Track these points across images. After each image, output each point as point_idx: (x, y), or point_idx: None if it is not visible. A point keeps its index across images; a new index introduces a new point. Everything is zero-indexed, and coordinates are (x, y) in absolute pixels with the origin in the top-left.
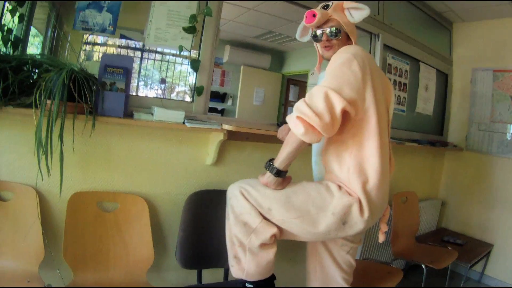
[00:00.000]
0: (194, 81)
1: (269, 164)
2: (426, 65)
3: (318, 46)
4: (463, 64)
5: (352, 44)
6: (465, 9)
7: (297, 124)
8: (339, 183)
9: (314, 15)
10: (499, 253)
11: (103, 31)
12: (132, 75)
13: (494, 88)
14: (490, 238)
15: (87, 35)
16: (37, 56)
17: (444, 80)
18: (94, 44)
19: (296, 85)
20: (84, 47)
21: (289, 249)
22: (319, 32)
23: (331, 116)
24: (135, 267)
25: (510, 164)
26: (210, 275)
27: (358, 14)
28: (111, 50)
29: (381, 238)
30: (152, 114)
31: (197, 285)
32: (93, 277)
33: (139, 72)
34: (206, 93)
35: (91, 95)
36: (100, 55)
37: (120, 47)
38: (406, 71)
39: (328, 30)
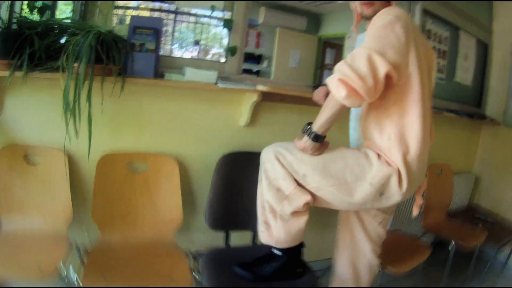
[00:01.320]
0: (227, 42)
1: (307, 128)
2: (466, 33)
3: (356, 3)
4: (504, 34)
5: (392, 5)
6: None
7: (339, 86)
8: (379, 151)
9: None
10: None
11: None
12: (164, 36)
13: None
14: None
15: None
16: (64, 21)
17: (484, 50)
18: (127, 8)
19: (332, 48)
20: (116, 11)
21: (319, 213)
22: None
23: (375, 79)
24: (163, 227)
25: None
26: (238, 238)
27: None
28: (144, 14)
29: (415, 211)
30: (183, 75)
31: (224, 247)
32: (120, 236)
33: (173, 34)
34: (240, 53)
35: (120, 57)
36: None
37: (153, 10)
38: (445, 38)
39: None
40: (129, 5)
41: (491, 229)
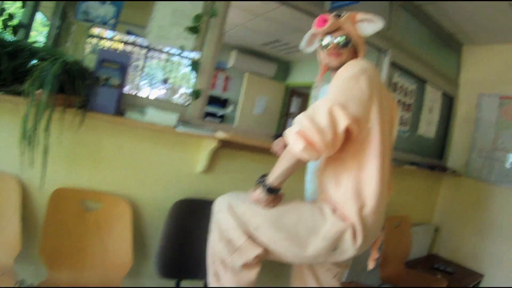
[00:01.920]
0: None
1: (261, 180)
2: (432, 86)
3: (323, 55)
4: (470, 88)
5: (359, 57)
6: (476, 31)
7: (297, 139)
8: (334, 206)
9: (325, 20)
10: (489, 283)
11: (104, 23)
12: (134, 71)
13: (499, 115)
14: (481, 267)
15: (94, 28)
16: (35, 44)
17: (449, 103)
18: (101, 38)
19: (299, 97)
20: (90, 40)
21: (273, 265)
22: (327, 39)
23: (334, 133)
24: (112, 271)
25: (508, 194)
26: (189, 286)
27: (370, 27)
28: (118, 45)
29: (371, 265)
30: (144, 115)
31: None
32: (68, 276)
33: (143, 70)
34: (204, 97)
35: (84, 89)
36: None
37: (126, 43)
38: (411, 91)
39: (337, 39)
40: (104, 35)
41: (451, 279)
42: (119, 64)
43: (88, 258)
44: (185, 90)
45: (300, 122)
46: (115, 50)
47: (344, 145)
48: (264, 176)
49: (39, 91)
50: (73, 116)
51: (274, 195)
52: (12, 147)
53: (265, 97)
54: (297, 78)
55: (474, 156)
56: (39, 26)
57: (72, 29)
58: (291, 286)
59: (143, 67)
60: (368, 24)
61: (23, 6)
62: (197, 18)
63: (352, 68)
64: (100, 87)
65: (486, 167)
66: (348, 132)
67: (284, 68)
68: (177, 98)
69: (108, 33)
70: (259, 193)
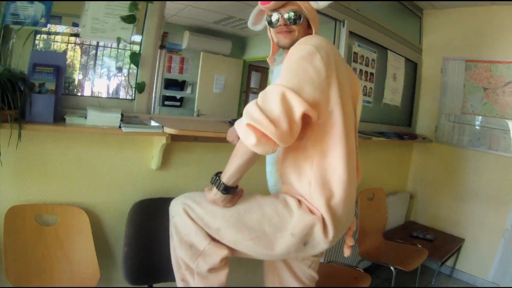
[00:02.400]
0: (135, 76)
1: (216, 179)
2: (394, 54)
3: (273, 33)
4: (434, 53)
5: (312, 33)
6: None
7: (248, 133)
8: (299, 197)
9: None
10: (470, 247)
11: (34, 24)
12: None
13: (466, 79)
14: (460, 232)
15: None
16: None
17: (413, 69)
18: (48, 33)
19: (258, 71)
20: (38, 38)
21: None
22: (275, 16)
23: (290, 122)
24: (81, 284)
25: (480, 157)
26: None
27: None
28: (67, 39)
29: (347, 252)
30: (86, 118)
31: None
32: None
33: (95, 61)
34: (149, 89)
35: (17, 100)
36: (60, 45)
37: (75, 35)
38: (373, 60)
39: (286, 15)
40: (52, 31)
41: (431, 246)
42: (53, 67)
43: (55, 275)
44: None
45: (249, 113)
46: (48, 50)
47: (303, 132)
48: (219, 174)
49: None
50: (10, 131)
51: (232, 193)
52: None
53: (224, 75)
54: (254, 53)
55: (443, 121)
56: None
57: (12, 33)
58: (265, 279)
59: (96, 58)
60: None
61: None
62: (133, 5)
63: (304, 47)
64: (34, 94)
65: (456, 132)
66: (306, 117)
67: (240, 44)
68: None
69: (58, 28)
70: (214, 193)
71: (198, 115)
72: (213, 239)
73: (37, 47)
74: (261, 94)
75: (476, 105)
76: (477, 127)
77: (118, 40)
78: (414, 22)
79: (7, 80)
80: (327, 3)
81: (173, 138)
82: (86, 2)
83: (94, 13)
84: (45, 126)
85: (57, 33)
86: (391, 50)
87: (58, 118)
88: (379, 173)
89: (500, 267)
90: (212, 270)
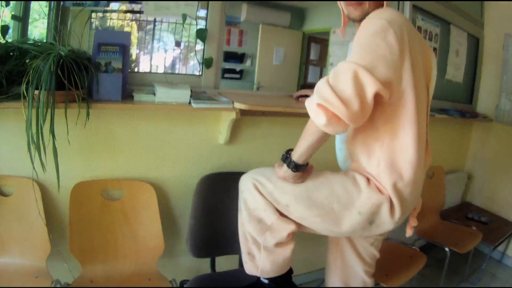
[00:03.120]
0: (202, 52)
1: (286, 157)
2: (457, 28)
3: (343, 5)
4: (496, 28)
5: (384, 5)
6: None
7: (318, 112)
8: (368, 175)
9: None
10: None
11: (96, 5)
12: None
13: None
14: None
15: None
16: (25, 42)
17: (475, 45)
18: (104, 11)
19: (317, 43)
20: (95, 16)
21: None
22: None
23: (361, 102)
24: (145, 257)
25: None
26: (224, 262)
27: None
28: (122, 15)
29: (409, 232)
30: (154, 94)
31: (210, 274)
32: (102, 269)
33: (153, 35)
34: (217, 64)
35: (83, 80)
36: (113, 22)
37: (132, 12)
38: (436, 34)
39: None
40: (108, 9)
41: (485, 229)
42: (118, 46)
43: (119, 248)
44: (201, 46)
45: (320, 92)
46: (112, 30)
47: (374, 111)
48: (289, 151)
49: (36, 92)
50: (78, 111)
51: (302, 171)
52: (24, 150)
53: (283, 47)
54: (313, 24)
55: (504, 100)
56: (35, 23)
57: (69, 14)
58: (328, 255)
59: (153, 32)
60: None
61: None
62: None
63: (377, 21)
64: (101, 74)
65: None
66: (377, 97)
67: (298, 16)
68: (193, 56)
69: (112, 6)
70: (285, 170)
71: (258, 88)
72: (281, 214)
73: (93, 25)
74: (332, 71)
75: None
76: None
77: (184, 16)
78: None
79: (72, 61)
80: None
81: (242, 113)
82: None
83: None
84: (114, 104)
85: (112, 11)
86: (454, 25)
87: (126, 96)
88: (438, 151)
89: None
90: (278, 244)
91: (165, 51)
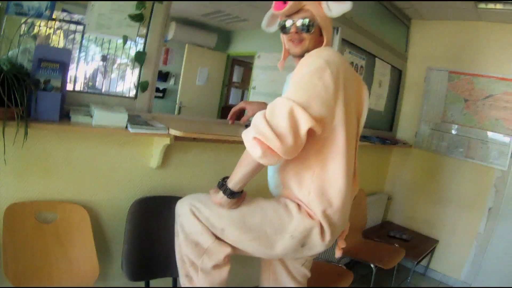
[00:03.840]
0: (138, 75)
1: (222, 184)
2: (381, 61)
3: (285, 39)
4: (419, 61)
5: (324, 41)
6: (427, 7)
7: (254, 145)
8: (299, 202)
9: (285, 1)
10: (444, 248)
11: (39, 16)
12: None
13: (448, 89)
14: (435, 233)
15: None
16: None
17: (398, 76)
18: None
19: (241, 66)
20: (23, 28)
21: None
22: (288, 22)
23: (295, 137)
24: (80, 281)
25: (457, 164)
26: (159, 284)
27: (338, 7)
28: (53, 23)
29: (338, 254)
30: (91, 116)
31: None
32: None
33: (81, 45)
34: (152, 88)
35: (22, 97)
36: (41, 28)
37: (62, 20)
38: (361, 66)
39: (299, 22)
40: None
41: (407, 246)
42: (58, 63)
43: (54, 272)
44: (122, 60)
45: (257, 127)
46: (52, 46)
47: (306, 144)
48: (225, 179)
49: None
50: (16, 129)
51: (237, 198)
52: None
53: (207, 68)
54: (238, 47)
55: (424, 128)
56: None
57: (2, 24)
58: (261, 275)
59: (81, 45)
60: (335, 4)
61: None
62: (141, 4)
63: (315, 60)
64: (40, 92)
65: (435, 138)
66: (311, 132)
67: (225, 38)
68: (116, 69)
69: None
70: (221, 197)
71: (180, 107)
72: (217, 238)
73: (22, 32)
74: (269, 106)
75: (456, 114)
76: (455, 136)
77: (125, 38)
78: (402, 31)
79: (13, 76)
80: (341, 11)
81: (176, 138)
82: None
83: (101, 9)
84: (51, 125)
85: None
86: (379, 58)
87: (63, 115)
88: (360, 175)
89: (472, 268)
90: (215, 266)
91: (88, 63)
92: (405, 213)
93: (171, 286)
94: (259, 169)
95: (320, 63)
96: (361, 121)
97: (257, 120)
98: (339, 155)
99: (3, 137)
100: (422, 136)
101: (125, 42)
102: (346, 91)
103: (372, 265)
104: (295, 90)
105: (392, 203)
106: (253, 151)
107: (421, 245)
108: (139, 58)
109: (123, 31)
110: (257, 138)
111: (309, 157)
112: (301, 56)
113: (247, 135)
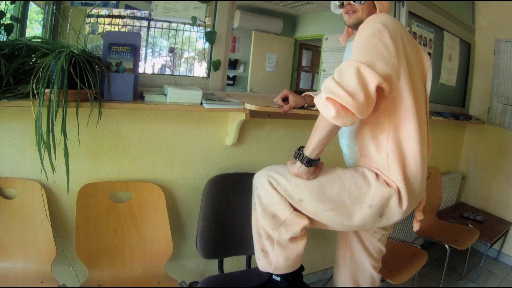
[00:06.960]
0: (210, 54)
1: (299, 153)
2: (450, 34)
3: (340, 11)
4: (486, 33)
5: (378, 13)
6: None
7: (328, 106)
8: (376, 170)
9: None
10: None
11: (105, 5)
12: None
13: None
14: (509, 215)
15: (90, 9)
16: (32, 40)
17: (467, 50)
18: (98, 16)
19: (309, 50)
20: (88, 20)
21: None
22: None
23: (366, 94)
24: (153, 260)
25: None
26: (232, 262)
27: None
28: (116, 21)
29: (416, 226)
30: (164, 95)
31: (218, 275)
32: (109, 273)
33: (147, 42)
34: (224, 67)
35: (95, 79)
36: (105, 27)
37: (126, 17)
38: (430, 40)
39: None
40: (101, 13)
41: (481, 228)
42: (129, 46)
43: (127, 251)
44: (191, 54)
45: (328, 88)
46: (121, 31)
47: (377, 106)
48: (301, 148)
49: (47, 90)
50: (89, 110)
51: (314, 166)
52: (28, 151)
53: (275, 53)
54: (305, 31)
55: (495, 103)
56: (31, 21)
57: (69, 14)
58: (336, 251)
59: (147, 38)
60: None
61: (11, 2)
62: None
63: (373, 24)
64: (113, 73)
65: (508, 114)
66: (379, 91)
67: (290, 23)
68: (183, 63)
69: (104, 11)
70: (298, 166)
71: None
72: (295, 210)
73: (86, 30)
74: (336, 70)
75: None
76: None
77: (194, 19)
78: (468, 4)
79: (85, 61)
80: None
81: (250, 114)
82: None
83: None
84: (126, 104)
85: (107, 16)
86: (446, 31)
87: (136, 97)
88: (434, 152)
89: None
90: (292, 239)
91: (159, 55)
92: (479, 193)
93: (244, 264)
94: (335, 132)
95: (378, 26)
96: (427, 87)
97: (327, 82)
98: (409, 117)
99: (77, 118)
100: (494, 111)
101: (194, 23)
102: (407, 53)
103: (446, 246)
104: (358, 52)
105: (466, 183)
106: (327, 112)
107: (494, 227)
108: (210, 38)
109: (190, 13)
110: (330, 98)
111: (382, 119)
112: (356, 26)
113: (319, 98)
